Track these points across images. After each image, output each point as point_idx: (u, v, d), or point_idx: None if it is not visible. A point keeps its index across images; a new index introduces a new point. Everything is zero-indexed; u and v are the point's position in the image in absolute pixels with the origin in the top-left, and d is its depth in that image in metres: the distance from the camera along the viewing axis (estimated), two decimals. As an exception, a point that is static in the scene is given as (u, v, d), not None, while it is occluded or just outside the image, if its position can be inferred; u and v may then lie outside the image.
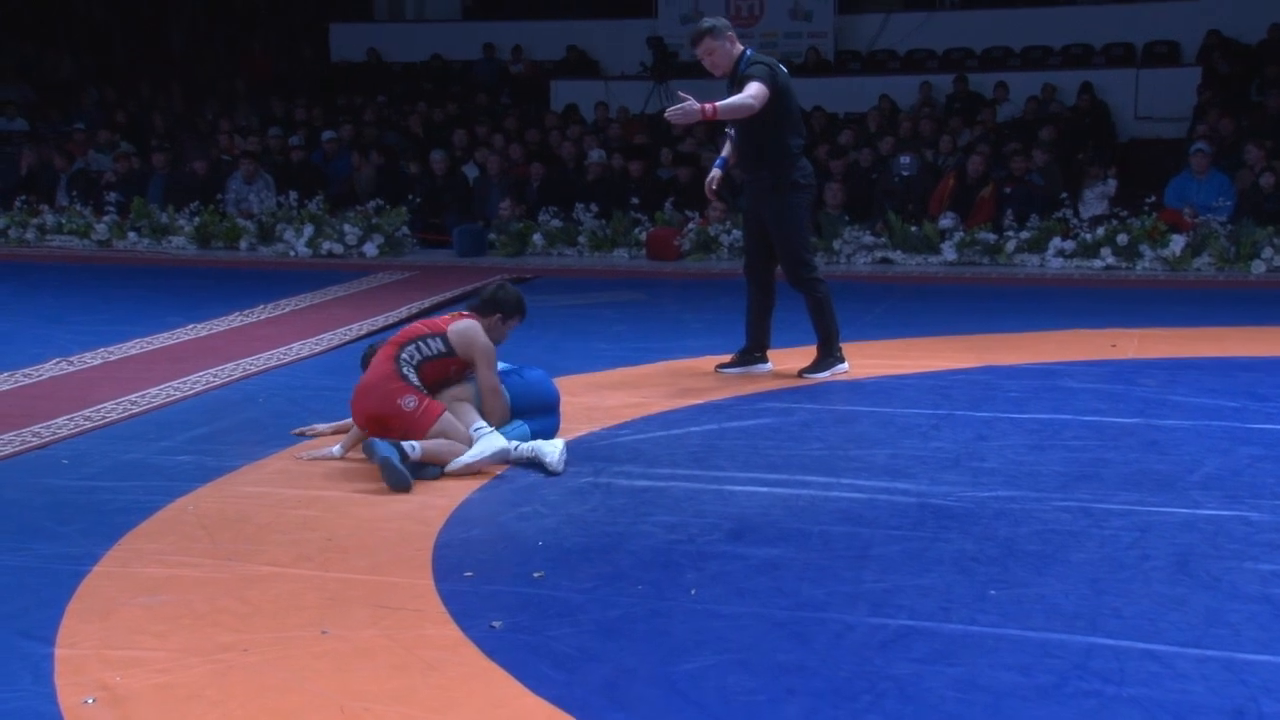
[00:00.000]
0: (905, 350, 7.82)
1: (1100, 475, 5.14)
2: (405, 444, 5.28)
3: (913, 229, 11.86)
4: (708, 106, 6.45)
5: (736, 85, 6.82)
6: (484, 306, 5.77)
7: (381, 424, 5.45)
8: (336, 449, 5.66)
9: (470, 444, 5.42)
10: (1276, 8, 15.59)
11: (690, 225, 12.49)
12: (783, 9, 17.73)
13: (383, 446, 5.21)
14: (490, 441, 5.43)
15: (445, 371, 5.63)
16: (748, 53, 6.96)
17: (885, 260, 11.85)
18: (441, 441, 5.40)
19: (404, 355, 5.55)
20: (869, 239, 11.99)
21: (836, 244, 11.98)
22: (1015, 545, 4.41)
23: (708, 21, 6.97)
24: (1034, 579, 4.10)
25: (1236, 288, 10.09)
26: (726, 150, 7.27)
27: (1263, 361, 7.24)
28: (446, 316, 5.81)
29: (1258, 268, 10.64)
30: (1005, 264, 11.46)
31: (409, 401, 5.44)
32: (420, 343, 5.59)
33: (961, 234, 11.71)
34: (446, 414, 5.48)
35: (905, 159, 12.99)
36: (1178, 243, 10.96)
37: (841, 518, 4.72)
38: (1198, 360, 7.27)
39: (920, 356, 7.54)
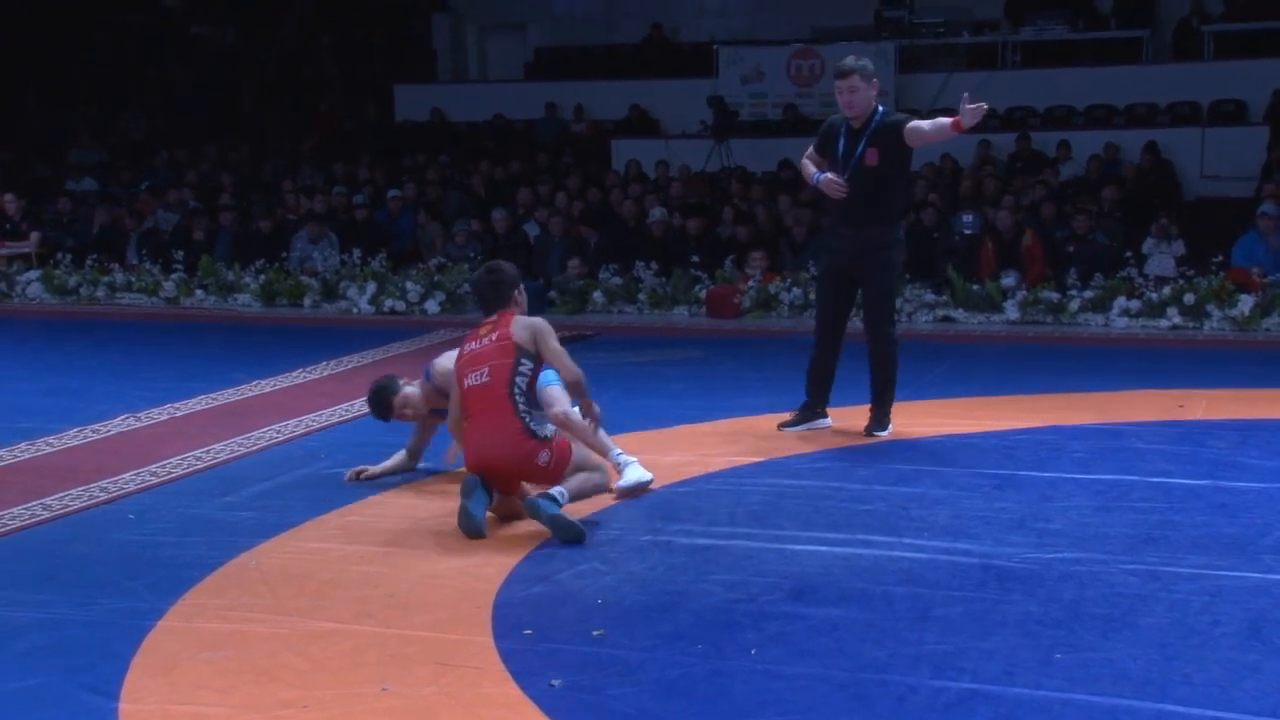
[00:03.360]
0: (968, 410, 7.75)
1: (1168, 538, 5.05)
2: (555, 491, 5.30)
3: (974, 287, 11.79)
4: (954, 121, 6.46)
5: (876, 135, 6.77)
6: (499, 297, 5.80)
7: (512, 480, 5.50)
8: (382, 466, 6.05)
9: (604, 451, 5.80)
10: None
11: (751, 283, 12.50)
12: (843, 69, 17.78)
13: (546, 504, 5.20)
14: (638, 472, 5.87)
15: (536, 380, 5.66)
16: (881, 108, 6.89)
17: (947, 319, 11.77)
18: (582, 477, 5.46)
19: (516, 395, 5.49)
20: (930, 297, 11.93)
21: (898, 302, 11.88)
22: (1081, 608, 4.34)
23: (858, 61, 6.84)
24: (1101, 643, 4.03)
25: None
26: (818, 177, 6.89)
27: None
28: (486, 338, 5.71)
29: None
30: (1069, 323, 11.35)
31: (543, 457, 5.42)
32: (516, 377, 5.52)
33: (1024, 293, 11.62)
34: (575, 447, 5.51)
35: (968, 217, 12.93)
36: (1246, 303, 10.81)
37: (903, 578, 4.67)
38: (1268, 422, 7.15)
39: (983, 416, 7.47)
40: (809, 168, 6.96)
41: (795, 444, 6.88)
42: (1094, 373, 8.91)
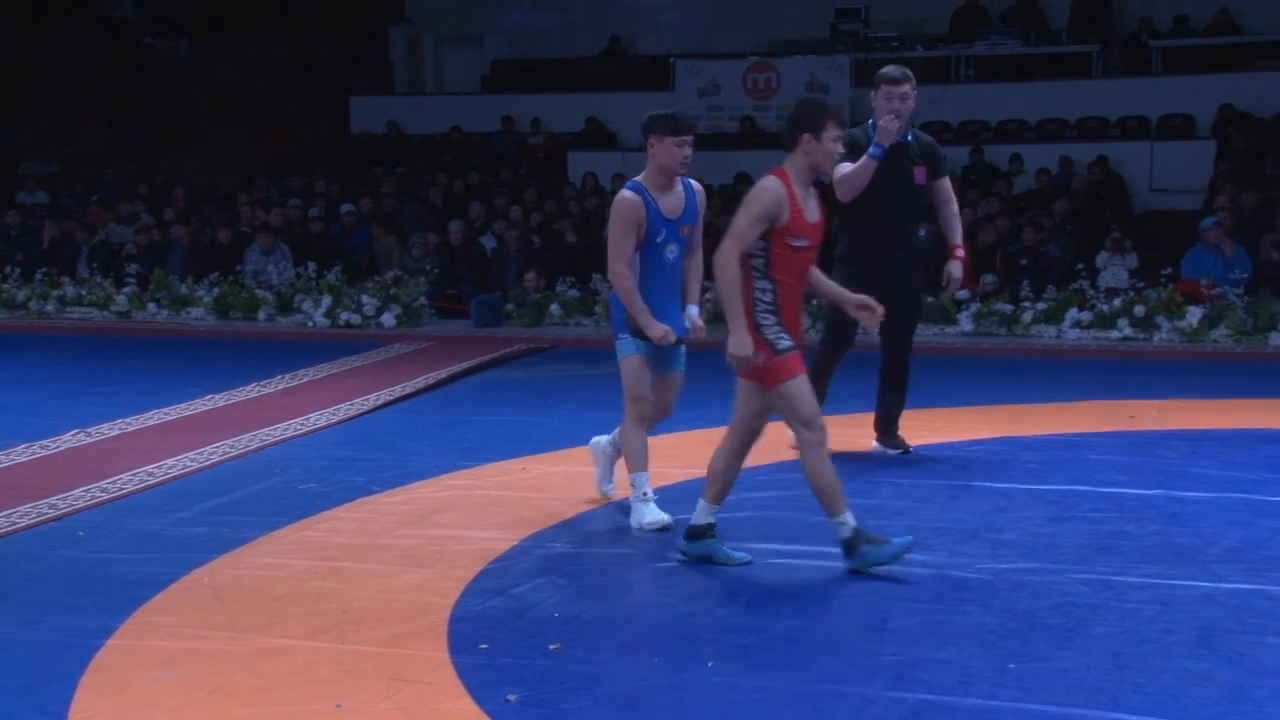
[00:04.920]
0: (924, 421, 7.78)
1: (1120, 548, 5.09)
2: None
3: (929, 300, 11.86)
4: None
5: (923, 154, 6.66)
6: (784, 138, 4.99)
7: None
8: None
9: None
10: (1291, 85, 15.74)
11: (708, 295, 12.51)
12: (799, 82, 17.88)
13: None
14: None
15: (785, 284, 4.88)
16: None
17: (902, 331, 11.83)
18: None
19: (755, 289, 4.88)
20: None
21: (853, 314, 11.95)
22: (1035, 618, 4.37)
23: (902, 67, 6.61)
24: (1055, 653, 4.05)
25: (1254, 359, 10.04)
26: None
27: (1282, 433, 7.20)
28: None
29: (1275, 339, 10.60)
30: (1022, 335, 11.44)
31: (756, 358, 4.86)
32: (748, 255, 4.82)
33: (978, 305, 11.71)
34: (786, 385, 4.81)
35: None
36: (1195, 314, 10.94)
37: (860, 590, 4.69)
38: (1217, 432, 7.23)
39: (938, 428, 7.51)
40: (845, 166, 6.41)
41: (753, 455, 6.86)
42: (1047, 384, 8.98)
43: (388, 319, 12.65)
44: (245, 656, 4.15)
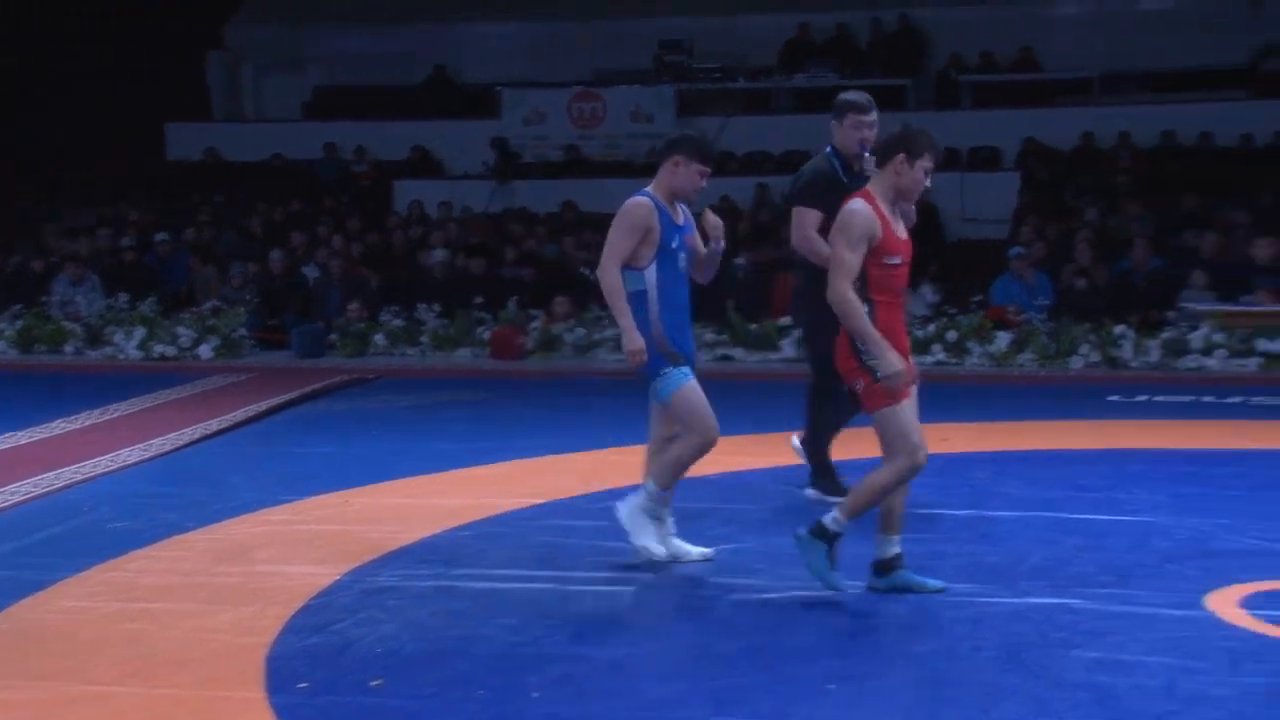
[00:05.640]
0: (750, 446, 7.89)
1: (935, 567, 5.22)
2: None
3: (753, 326, 12.08)
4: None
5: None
6: (878, 154, 4.96)
7: None
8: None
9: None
10: (1086, 118, 16.45)
11: (533, 324, 12.52)
12: (624, 111, 18.05)
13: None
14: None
15: (886, 305, 4.83)
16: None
17: (726, 357, 12.01)
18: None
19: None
20: (710, 336, 12.15)
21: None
22: (855, 638, 4.46)
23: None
24: (874, 672, 4.14)
25: (1057, 383, 10.45)
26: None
27: (1083, 454, 7.51)
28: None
29: (1076, 363, 11.07)
30: (843, 360, 11.70)
31: (857, 385, 4.86)
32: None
33: (800, 331, 11.94)
34: (887, 411, 4.76)
35: (739, 260, 13.32)
36: (1003, 340, 11.36)
37: (686, 615, 4.73)
38: (1024, 453, 7.50)
39: (762, 452, 7.62)
40: (815, 235, 6.14)
41: (578, 484, 6.89)
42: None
43: (205, 350, 12.31)
44: (49, 705, 3.98)
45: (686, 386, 5.25)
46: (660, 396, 5.28)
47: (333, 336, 12.75)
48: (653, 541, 5.25)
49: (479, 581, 5.15)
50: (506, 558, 5.50)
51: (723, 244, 5.47)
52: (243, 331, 12.71)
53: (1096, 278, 12.39)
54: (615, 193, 17.39)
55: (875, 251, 4.76)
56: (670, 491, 5.31)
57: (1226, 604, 4.68)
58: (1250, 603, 4.69)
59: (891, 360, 4.72)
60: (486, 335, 12.51)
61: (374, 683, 4.09)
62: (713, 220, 5.42)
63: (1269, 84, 16.82)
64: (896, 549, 4.93)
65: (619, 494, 6.60)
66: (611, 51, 18.87)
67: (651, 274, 5.29)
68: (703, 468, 7.13)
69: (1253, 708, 3.75)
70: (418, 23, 20.00)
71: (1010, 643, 4.36)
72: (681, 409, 5.25)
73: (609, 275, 5.29)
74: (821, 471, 6.49)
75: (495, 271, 13.84)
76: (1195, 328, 11.21)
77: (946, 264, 13.51)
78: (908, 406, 4.82)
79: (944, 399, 9.62)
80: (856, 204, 4.81)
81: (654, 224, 5.26)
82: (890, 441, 4.79)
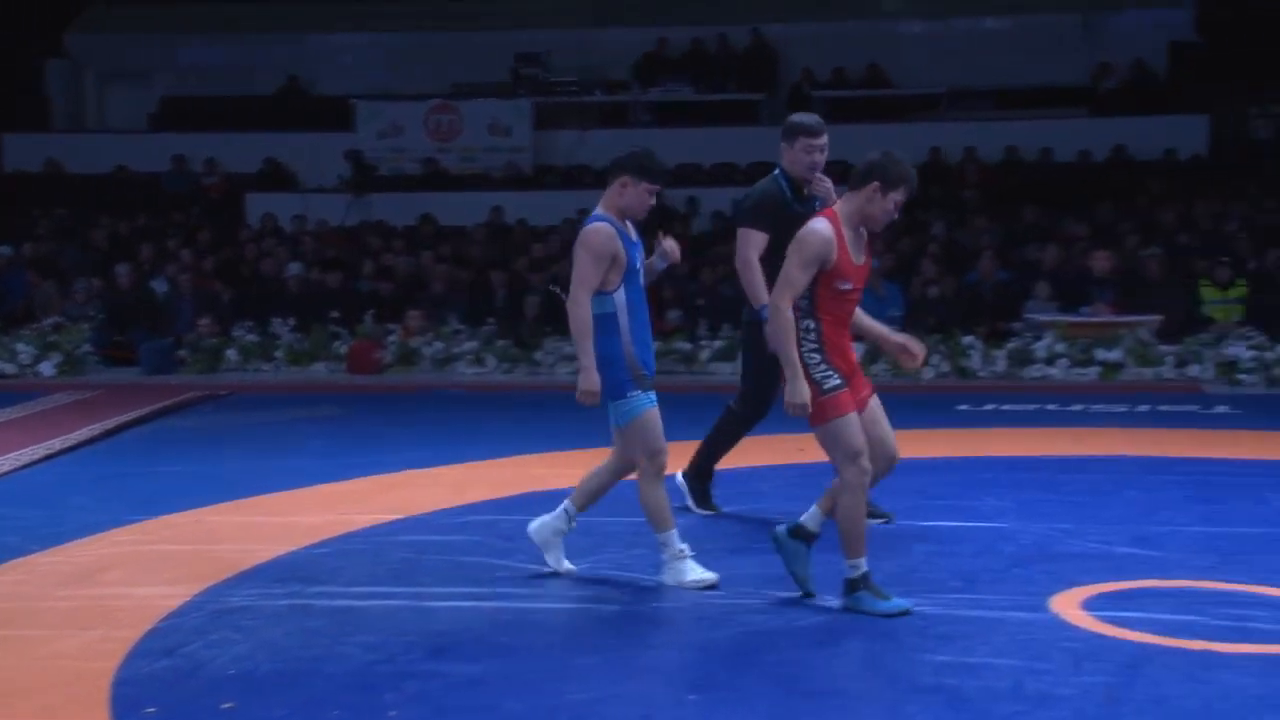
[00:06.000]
0: (594, 461, 7.91)
1: (789, 578, 5.29)
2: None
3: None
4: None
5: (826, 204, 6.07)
6: (852, 179, 4.86)
7: None
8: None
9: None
10: (935, 133, 16.87)
11: (391, 338, 12.39)
12: (481, 125, 17.99)
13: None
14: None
15: (831, 321, 4.80)
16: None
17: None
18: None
19: (800, 328, 4.78)
20: (569, 349, 12.16)
21: (539, 355, 12.11)
22: (714, 648, 4.50)
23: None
24: (732, 681, 4.18)
25: (909, 393, 10.69)
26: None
27: (933, 462, 7.69)
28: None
29: (927, 374, 11.33)
30: (700, 372, 11.82)
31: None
32: (800, 300, 4.78)
33: (659, 343, 12.03)
34: (833, 424, 4.77)
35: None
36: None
37: (545, 630, 4.71)
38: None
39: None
40: (755, 260, 6.03)
41: (438, 499, 6.83)
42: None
43: (46, 368, 11.92)
44: (-121, 739, 3.80)
45: (649, 413, 5.16)
46: (620, 420, 5.20)
47: (183, 352, 12.46)
48: (699, 571, 5.18)
49: (335, 599, 5.07)
50: (364, 574, 5.43)
51: (668, 263, 5.49)
52: (87, 348, 12.34)
53: (945, 289, 12.72)
54: (473, 205, 17.49)
55: (828, 275, 4.74)
56: (673, 529, 5.24)
57: (1069, 606, 4.84)
58: (1091, 604, 4.86)
59: (800, 390, 4.74)
60: (343, 350, 12.36)
61: (225, 705, 4.00)
62: (670, 245, 5.42)
63: (1106, 103, 17.49)
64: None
65: (482, 509, 6.61)
66: (468, 64, 18.80)
67: (620, 296, 5.20)
68: (559, 480, 7.16)
69: (1093, 706, 3.88)
70: (270, 33, 19.69)
71: (865, 649, 4.44)
72: (637, 435, 5.17)
73: (580, 308, 5.14)
74: (700, 476, 6.52)
75: (352, 285, 13.68)
76: (1039, 338, 11.58)
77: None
78: (854, 419, 4.82)
79: None
80: (819, 224, 4.79)
81: (618, 247, 5.16)
82: (833, 456, 4.86)
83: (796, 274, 4.72)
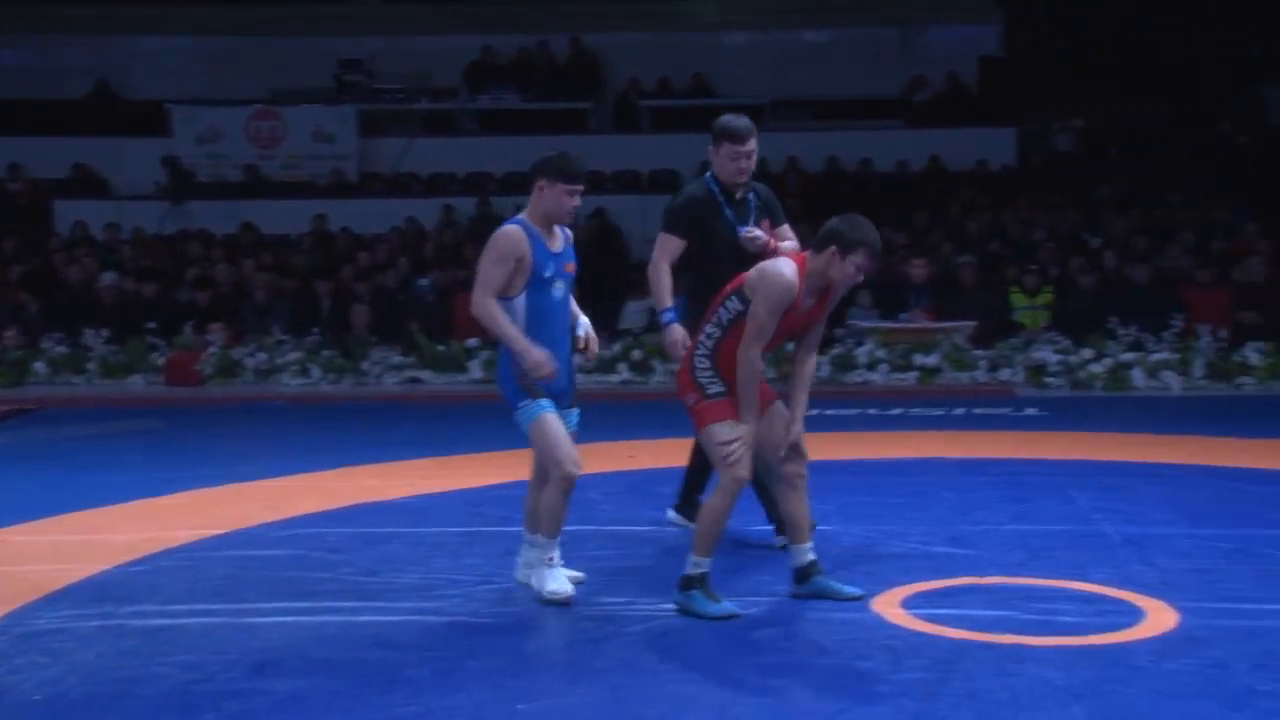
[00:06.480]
0: (437, 468, 7.86)
1: (617, 582, 5.34)
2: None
3: (440, 348, 12.02)
4: (773, 242, 5.77)
5: (766, 206, 5.97)
6: (815, 241, 4.84)
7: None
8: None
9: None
10: (760, 143, 17.07)
11: (212, 349, 12.08)
12: (305, 131, 17.66)
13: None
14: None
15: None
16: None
17: (414, 380, 11.91)
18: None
19: (704, 335, 4.92)
20: (397, 359, 12.04)
21: (365, 365, 11.94)
22: (544, 657, 4.50)
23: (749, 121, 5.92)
24: (561, 689, 4.18)
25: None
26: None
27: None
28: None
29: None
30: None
31: (688, 399, 4.96)
32: (722, 309, 4.87)
33: (489, 353, 11.97)
34: (712, 428, 4.84)
35: (423, 281, 13.27)
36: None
37: (372, 643, 4.64)
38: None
39: (450, 474, 7.60)
40: (665, 267, 5.87)
41: (260, 513, 6.68)
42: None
43: None
44: None
45: (542, 418, 5.03)
46: (520, 429, 5.11)
47: (-13, 365, 11.93)
48: (561, 583, 5.09)
49: (151, 619, 4.92)
50: (182, 592, 5.28)
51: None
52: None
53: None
54: (297, 213, 17.18)
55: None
56: (557, 539, 5.15)
57: (890, 606, 4.97)
58: (910, 603, 5.00)
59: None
60: (161, 361, 12.00)
61: (34, 733, 3.85)
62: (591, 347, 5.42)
63: (920, 114, 18.05)
64: (811, 556, 5.10)
65: (306, 522, 6.48)
66: (291, 70, 18.45)
67: (521, 303, 5.05)
68: (386, 491, 7.09)
69: (911, 701, 4.00)
70: (78, 35, 19.00)
71: (691, 653, 4.49)
72: (536, 442, 5.09)
73: (481, 305, 4.99)
74: (690, 496, 6.30)
75: (169, 295, 13.29)
76: (861, 343, 11.87)
77: (631, 283, 13.80)
78: (730, 425, 4.85)
79: (631, 416, 9.87)
80: (787, 271, 4.78)
81: (525, 252, 5.01)
82: (712, 459, 4.93)
83: (766, 321, 4.77)
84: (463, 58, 18.68)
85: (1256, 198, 15.51)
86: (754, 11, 19.59)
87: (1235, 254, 13.52)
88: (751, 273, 4.88)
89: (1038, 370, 11.49)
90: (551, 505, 5.10)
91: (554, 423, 5.05)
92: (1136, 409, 10.34)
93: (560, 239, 5.20)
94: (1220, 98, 18.08)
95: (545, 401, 5.05)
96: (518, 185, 17.28)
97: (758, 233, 5.79)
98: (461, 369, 11.88)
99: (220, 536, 6.22)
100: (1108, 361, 11.35)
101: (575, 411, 5.26)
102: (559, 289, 5.15)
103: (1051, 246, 13.96)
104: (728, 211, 5.85)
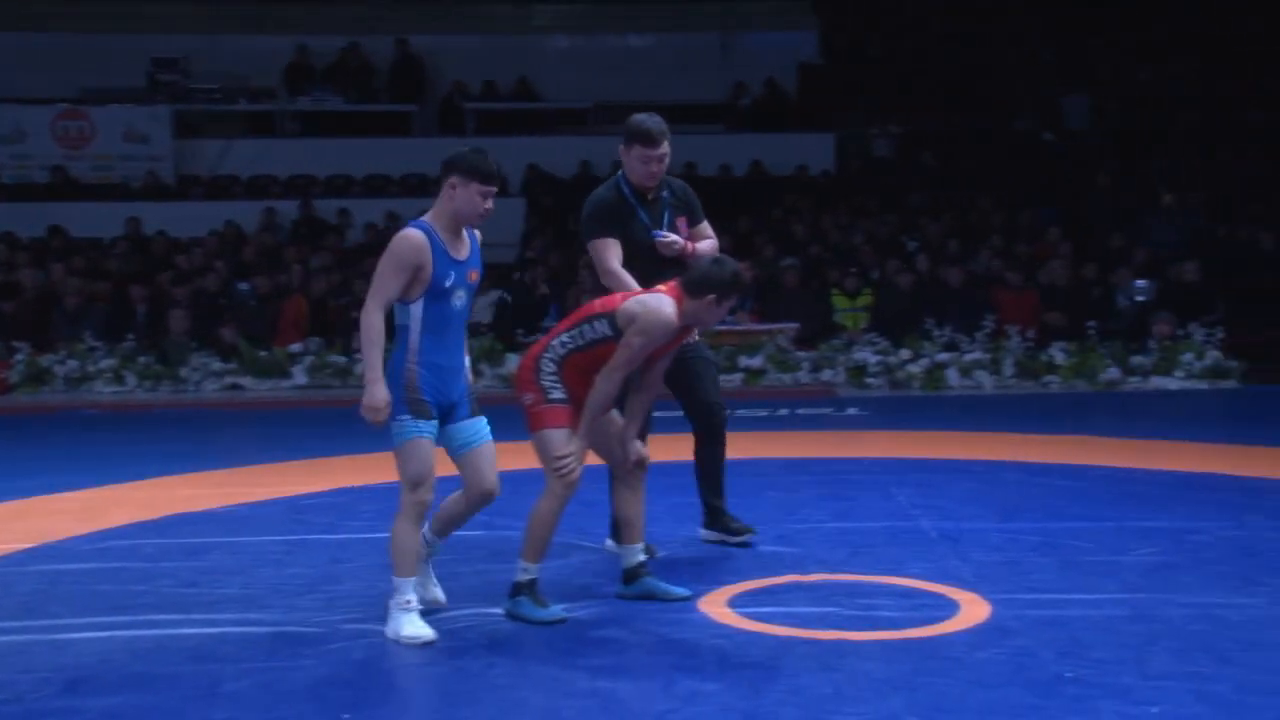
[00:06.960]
0: (256, 477, 7.70)
1: (447, 587, 5.28)
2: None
3: (263, 353, 11.78)
4: (690, 246, 5.73)
5: (680, 203, 5.91)
6: (691, 286, 4.87)
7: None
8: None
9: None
10: (583, 146, 17.22)
11: (19, 356, 11.60)
12: (116, 131, 17.09)
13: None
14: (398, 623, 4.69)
15: (596, 363, 4.83)
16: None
17: (235, 386, 11.64)
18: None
19: (558, 341, 4.90)
20: (218, 365, 11.75)
21: (184, 371, 11.62)
22: (369, 667, 4.44)
23: (661, 122, 5.79)
24: (386, 699, 4.14)
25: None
26: None
27: (588, 470, 7.81)
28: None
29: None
30: (356, 385, 11.63)
31: (525, 398, 4.90)
32: (586, 325, 4.88)
33: (313, 358, 11.77)
34: (548, 433, 4.84)
35: (244, 285, 12.99)
36: (512, 361, 11.72)
37: (190, 656, 4.52)
38: (529, 472, 7.72)
39: (272, 483, 7.45)
40: (618, 268, 5.69)
41: (71, 525, 6.45)
42: (378, 434, 9.17)
43: None
44: None
45: (415, 443, 4.67)
46: (392, 442, 4.76)
47: None
48: (418, 628, 4.67)
49: (-37, 640, 4.71)
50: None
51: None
52: None
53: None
54: (108, 216, 16.65)
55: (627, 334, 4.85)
56: (411, 578, 4.78)
57: (716, 605, 5.05)
58: (736, 602, 5.09)
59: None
60: (-37, 370, 11.49)
61: None
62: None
63: (742, 119, 18.36)
64: (640, 557, 5.15)
65: (122, 533, 6.28)
66: (99, 68, 17.82)
67: (418, 310, 4.68)
68: (207, 500, 6.92)
69: (737, 699, 4.07)
70: None
71: (520, 657, 4.49)
72: (401, 463, 4.71)
73: (369, 317, 4.59)
74: (715, 512, 6.13)
75: (-29, 301, 12.73)
76: (686, 346, 12.03)
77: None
78: (564, 434, 4.86)
79: (505, 421, 9.78)
80: (669, 313, 4.81)
81: (425, 261, 4.63)
82: (545, 465, 4.90)
83: (638, 354, 4.84)
84: (281, 58, 18.31)
85: (1060, 200, 16.23)
86: (578, 16, 19.68)
87: (1040, 257, 14.10)
88: (631, 304, 4.86)
89: (858, 371, 11.80)
90: (404, 540, 4.72)
91: (425, 448, 4.70)
92: (951, 407, 10.71)
93: (467, 244, 4.85)
94: (1022, 102, 18.81)
95: (427, 425, 4.72)
96: (341, 188, 17.04)
97: (673, 237, 5.73)
98: (284, 374, 11.66)
99: (27, 551, 5.99)
100: (924, 362, 11.72)
101: (482, 420, 4.91)
102: (460, 298, 4.78)
103: (870, 250, 14.35)
104: (641, 214, 5.74)
